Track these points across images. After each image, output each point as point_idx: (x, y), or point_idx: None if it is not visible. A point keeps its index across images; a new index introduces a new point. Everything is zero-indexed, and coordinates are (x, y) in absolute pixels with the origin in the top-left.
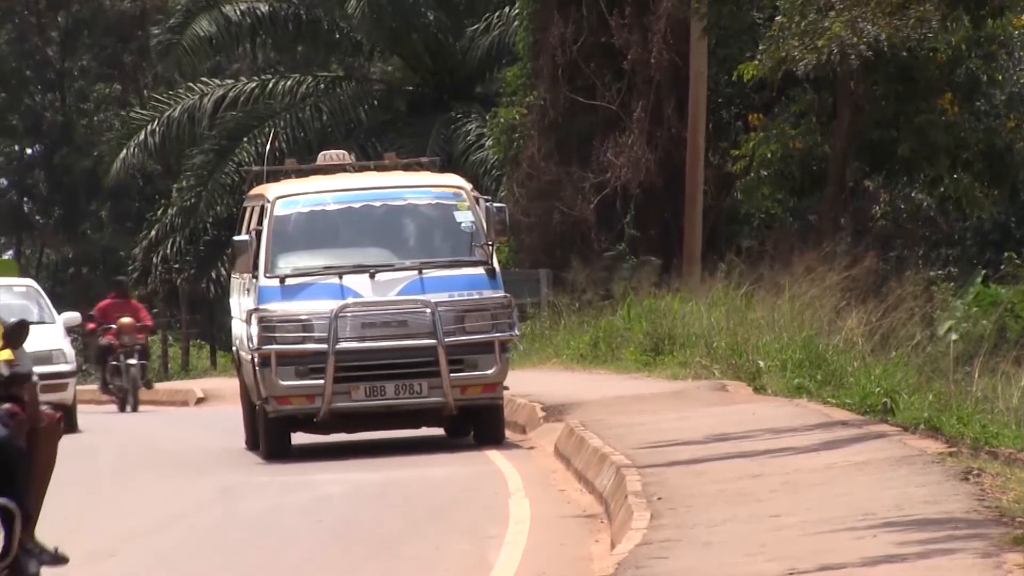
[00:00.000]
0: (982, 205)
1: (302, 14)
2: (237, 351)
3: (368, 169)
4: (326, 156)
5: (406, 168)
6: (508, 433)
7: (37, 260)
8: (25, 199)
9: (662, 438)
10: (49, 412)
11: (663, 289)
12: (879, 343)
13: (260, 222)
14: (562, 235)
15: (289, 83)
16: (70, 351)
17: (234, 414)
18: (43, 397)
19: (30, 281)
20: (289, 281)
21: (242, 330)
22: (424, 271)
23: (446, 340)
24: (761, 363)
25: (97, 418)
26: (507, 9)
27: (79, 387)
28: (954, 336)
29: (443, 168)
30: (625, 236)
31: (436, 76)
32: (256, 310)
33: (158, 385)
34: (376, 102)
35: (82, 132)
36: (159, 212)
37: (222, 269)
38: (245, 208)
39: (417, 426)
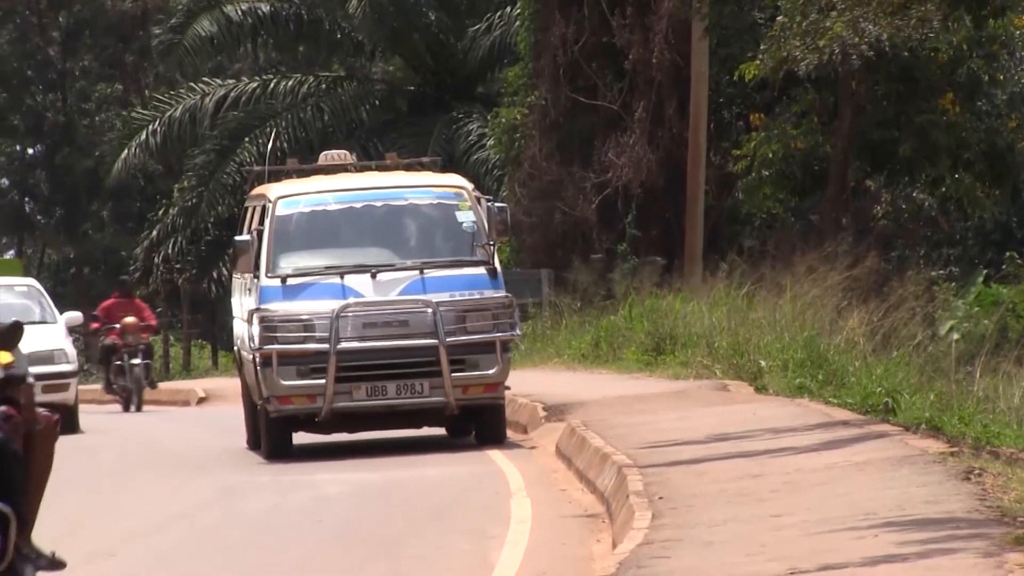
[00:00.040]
0: (983, 205)
1: (303, 14)
2: (238, 351)
3: (369, 169)
4: (327, 156)
5: (407, 168)
6: (509, 433)
7: (38, 260)
8: (27, 199)
9: (663, 438)
10: (46, 415)
11: (664, 289)
12: (880, 343)
13: (261, 222)
14: (563, 235)
15: (290, 83)
16: (72, 351)
17: (235, 414)
18: (45, 397)
19: (32, 281)
20: (290, 281)
21: (243, 330)
22: (425, 271)
23: (447, 340)
24: (762, 363)
25: (100, 418)
26: (508, 9)
27: (82, 387)
28: (956, 336)
29: (444, 168)
30: (627, 236)
31: (437, 76)
32: (257, 310)
33: (160, 385)
34: (377, 102)
35: (83, 132)
36: (160, 212)
37: (223, 269)
38: (246, 208)
39: (418, 426)
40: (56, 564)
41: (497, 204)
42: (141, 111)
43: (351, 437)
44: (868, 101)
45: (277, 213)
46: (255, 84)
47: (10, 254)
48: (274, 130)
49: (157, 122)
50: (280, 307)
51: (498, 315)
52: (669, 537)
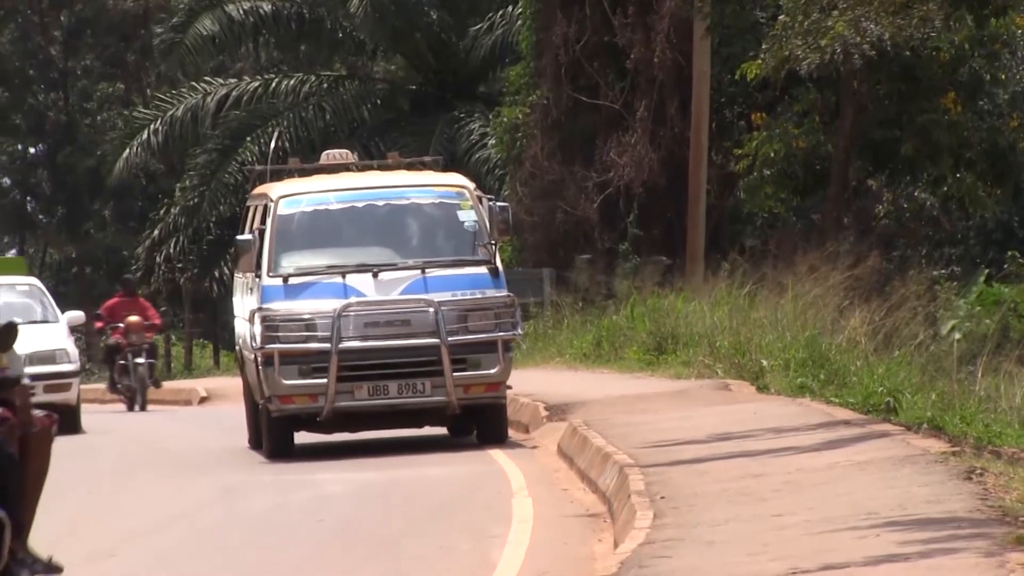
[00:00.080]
0: (985, 204)
1: (305, 13)
2: (240, 350)
3: (371, 168)
4: (329, 155)
5: (409, 167)
6: (511, 432)
7: (40, 259)
8: (28, 198)
9: (665, 437)
10: (41, 417)
11: (666, 288)
12: (882, 342)
13: (263, 221)
14: (565, 234)
15: (292, 82)
16: (74, 351)
17: (237, 413)
18: (46, 397)
19: (34, 280)
20: (292, 280)
21: (245, 329)
22: (427, 270)
23: (449, 339)
24: (764, 362)
25: (102, 417)
26: (510, 8)
27: (87, 386)
28: (957, 335)
29: (446, 167)
30: (628, 235)
31: (439, 75)
32: (259, 309)
33: (162, 384)
34: (379, 101)
35: (85, 131)
36: (162, 211)
37: (225, 268)
38: (248, 207)
39: (420, 425)
40: (52, 569)
41: (499, 203)
42: (143, 110)
43: (353, 436)
44: (870, 100)
45: (279, 212)
46: (257, 83)
47: (11, 253)
48: (277, 130)
49: (159, 121)
50: (282, 306)
51: (500, 314)
52: (671, 537)
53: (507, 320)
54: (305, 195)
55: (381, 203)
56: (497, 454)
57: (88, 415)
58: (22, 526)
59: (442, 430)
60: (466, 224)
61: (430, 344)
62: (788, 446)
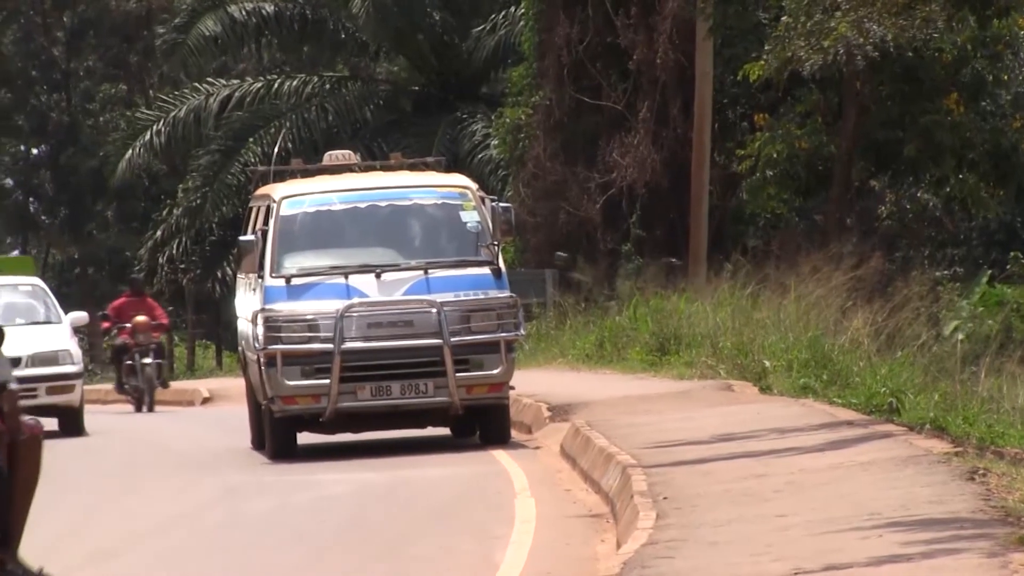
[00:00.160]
0: (988, 205)
1: (308, 14)
2: (243, 351)
3: (374, 169)
4: (332, 156)
5: (412, 168)
6: (514, 433)
7: (43, 260)
8: (31, 199)
9: (668, 438)
10: (30, 424)
11: (669, 289)
12: (885, 343)
13: (266, 222)
14: (568, 235)
15: (295, 83)
16: (77, 352)
17: (240, 414)
18: (49, 399)
19: (37, 280)
20: (295, 281)
21: (248, 330)
22: (430, 271)
23: (452, 340)
24: (767, 363)
25: (107, 418)
26: (512, 9)
27: (90, 387)
28: (960, 336)
29: (449, 168)
30: (631, 236)
31: (442, 76)
32: (262, 310)
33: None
34: (382, 102)
35: (88, 132)
36: (165, 212)
37: (228, 269)
38: (251, 208)
39: (423, 426)
40: None
41: (501, 204)
42: (145, 111)
43: (355, 437)
44: (872, 101)
45: (281, 213)
46: (259, 84)
47: (14, 254)
48: (282, 131)
49: (161, 122)
50: (284, 307)
51: (502, 315)
52: (673, 537)
53: (510, 321)
54: (308, 196)
55: (384, 204)
56: (500, 455)
57: (91, 415)
58: (11, 537)
59: (445, 431)
60: (469, 225)
61: (433, 345)
62: (791, 447)
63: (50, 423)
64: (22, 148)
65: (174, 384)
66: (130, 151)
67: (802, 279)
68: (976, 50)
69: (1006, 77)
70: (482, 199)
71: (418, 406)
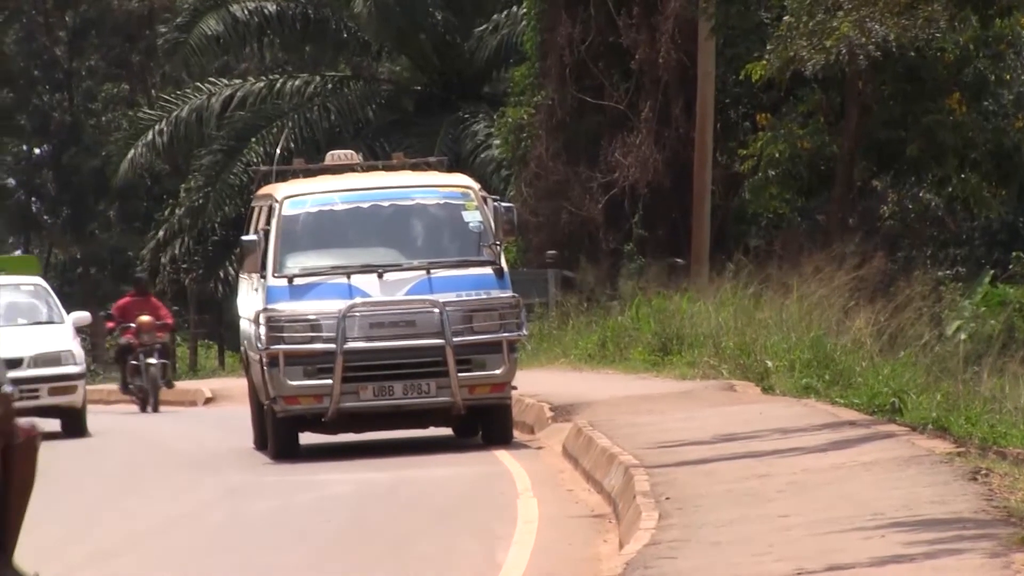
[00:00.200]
0: (990, 205)
1: (310, 13)
2: (245, 351)
3: (376, 169)
4: (334, 156)
5: (414, 168)
6: (516, 433)
7: (45, 260)
8: (33, 199)
9: (670, 438)
10: (26, 427)
11: (671, 289)
12: (887, 343)
13: (268, 222)
14: (570, 235)
15: (297, 83)
16: (79, 352)
17: (242, 414)
18: (52, 400)
19: (39, 279)
20: (297, 281)
21: (250, 330)
22: (432, 271)
23: (454, 340)
24: (769, 363)
25: (110, 418)
26: (514, 9)
27: (92, 387)
28: (962, 336)
29: (451, 168)
30: (633, 236)
31: (444, 76)
32: (264, 310)
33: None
34: (384, 102)
35: (90, 132)
36: (167, 212)
37: (230, 269)
38: (253, 208)
39: (425, 426)
40: None
41: (504, 204)
42: (147, 111)
43: (358, 437)
44: (875, 101)
45: (284, 213)
46: (261, 84)
47: (17, 254)
48: (284, 132)
49: (164, 122)
50: (287, 307)
51: (505, 315)
52: (676, 537)
53: (512, 321)
54: (310, 196)
55: (386, 204)
56: (502, 455)
57: (94, 415)
58: (5, 543)
59: (447, 431)
60: (471, 225)
61: (435, 345)
62: (793, 447)
63: (52, 424)
64: (24, 148)
65: (177, 384)
66: (132, 151)
67: (804, 279)
68: (978, 50)
69: (1008, 77)
70: (484, 199)
71: (420, 406)
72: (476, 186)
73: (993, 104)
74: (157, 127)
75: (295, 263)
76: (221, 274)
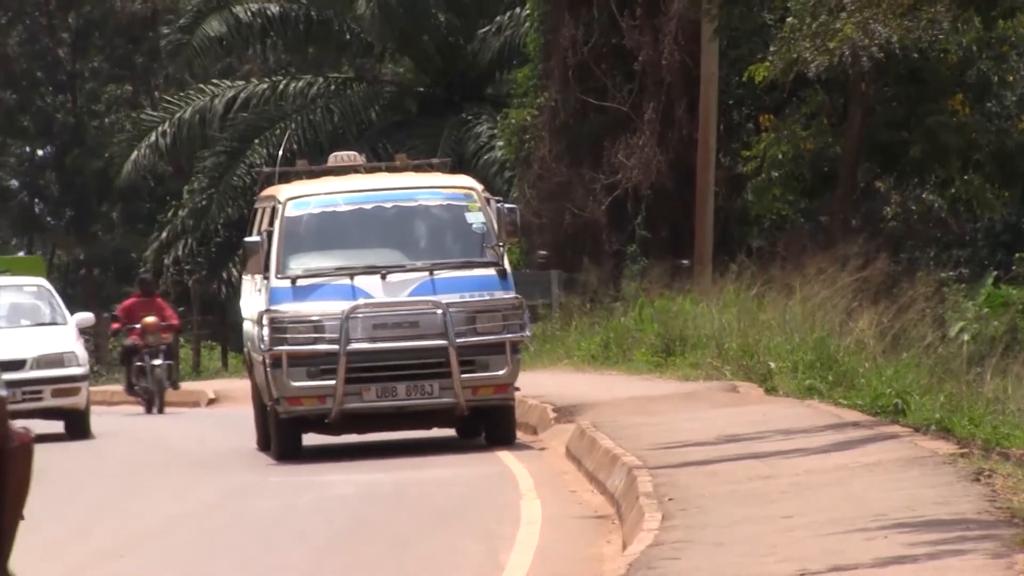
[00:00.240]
0: (993, 206)
1: (313, 15)
2: (249, 352)
3: (379, 170)
4: (337, 157)
5: (417, 169)
6: (519, 434)
7: (48, 261)
8: (36, 200)
9: (673, 439)
10: (21, 432)
11: (674, 290)
12: (890, 344)
13: (271, 223)
14: (573, 236)
15: (300, 84)
16: (83, 353)
17: (245, 415)
18: (55, 402)
19: (42, 280)
20: (300, 282)
21: (254, 331)
22: (435, 272)
23: (457, 341)
24: (772, 364)
25: (114, 419)
26: (518, 10)
27: (96, 388)
28: (965, 337)
29: (454, 169)
30: (636, 237)
31: (447, 77)
32: (267, 311)
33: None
34: (387, 103)
35: (93, 133)
36: (170, 213)
37: (233, 270)
38: (256, 209)
39: (428, 427)
40: None
41: (507, 205)
42: (151, 112)
43: (361, 438)
44: (878, 102)
45: (287, 214)
46: (265, 85)
47: (19, 255)
48: (287, 133)
49: (167, 123)
50: (290, 308)
51: (508, 316)
52: (679, 538)
53: (515, 322)
54: (313, 197)
55: (389, 205)
56: (505, 456)
57: (98, 416)
58: (0, 548)
59: (450, 432)
60: (474, 226)
61: (438, 346)
62: (796, 448)
63: (56, 426)
64: (27, 149)
65: (181, 385)
66: (135, 152)
67: (807, 280)
68: (981, 51)
69: (1011, 78)
70: (487, 200)
71: (424, 407)
72: (479, 187)
73: (996, 105)
74: (160, 128)
75: (298, 264)
76: (224, 275)
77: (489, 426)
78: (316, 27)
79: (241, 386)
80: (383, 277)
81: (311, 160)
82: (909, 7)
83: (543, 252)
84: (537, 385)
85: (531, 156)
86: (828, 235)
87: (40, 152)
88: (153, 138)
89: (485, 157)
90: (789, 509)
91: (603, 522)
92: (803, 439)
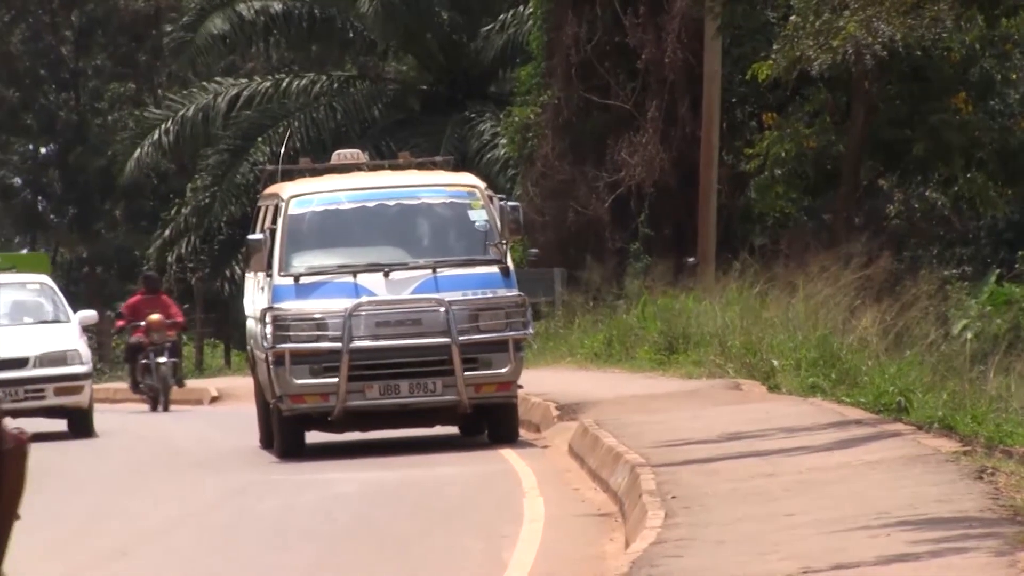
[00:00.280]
0: (996, 204)
1: (316, 13)
2: (251, 350)
3: (382, 168)
4: (340, 155)
5: (420, 167)
6: (522, 432)
7: (51, 259)
8: (39, 198)
9: (676, 437)
10: (15, 433)
11: (677, 288)
12: (893, 342)
13: (274, 221)
14: (576, 234)
15: (303, 82)
16: (86, 351)
17: (248, 413)
18: (58, 400)
19: (45, 278)
20: (303, 280)
21: (256, 329)
22: (438, 270)
23: (460, 339)
24: (775, 362)
25: (118, 418)
26: (521, 8)
27: (104, 385)
28: (968, 335)
29: (457, 167)
30: (639, 235)
31: (450, 75)
32: (270, 309)
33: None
34: (390, 101)
35: (96, 131)
36: (173, 211)
37: (237, 268)
38: (259, 207)
39: (431, 425)
40: None
41: (510, 203)
42: (154, 110)
43: (364, 436)
44: (881, 100)
45: (290, 212)
46: (268, 83)
47: (23, 252)
48: (290, 131)
49: (170, 121)
50: (293, 306)
51: (511, 314)
52: (682, 536)
53: (518, 319)
54: (316, 195)
55: (392, 203)
56: (508, 453)
57: (102, 415)
58: None
59: (453, 429)
60: (477, 224)
61: (441, 343)
62: (799, 446)
63: (59, 424)
64: (31, 147)
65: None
66: (138, 150)
67: (810, 278)
68: (984, 49)
69: (1014, 76)
70: (490, 198)
71: (426, 405)
72: (482, 185)
73: (999, 103)
74: (163, 126)
75: (301, 262)
76: (227, 273)
77: (492, 424)
78: (319, 25)
79: (244, 384)
80: (386, 275)
81: (314, 158)
82: (912, 5)
83: (533, 251)
84: (540, 383)
85: (534, 154)
86: (831, 233)
87: (43, 150)
88: (156, 136)
89: (488, 155)
90: (792, 507)
91: (606, 520)
92: (806, 437)
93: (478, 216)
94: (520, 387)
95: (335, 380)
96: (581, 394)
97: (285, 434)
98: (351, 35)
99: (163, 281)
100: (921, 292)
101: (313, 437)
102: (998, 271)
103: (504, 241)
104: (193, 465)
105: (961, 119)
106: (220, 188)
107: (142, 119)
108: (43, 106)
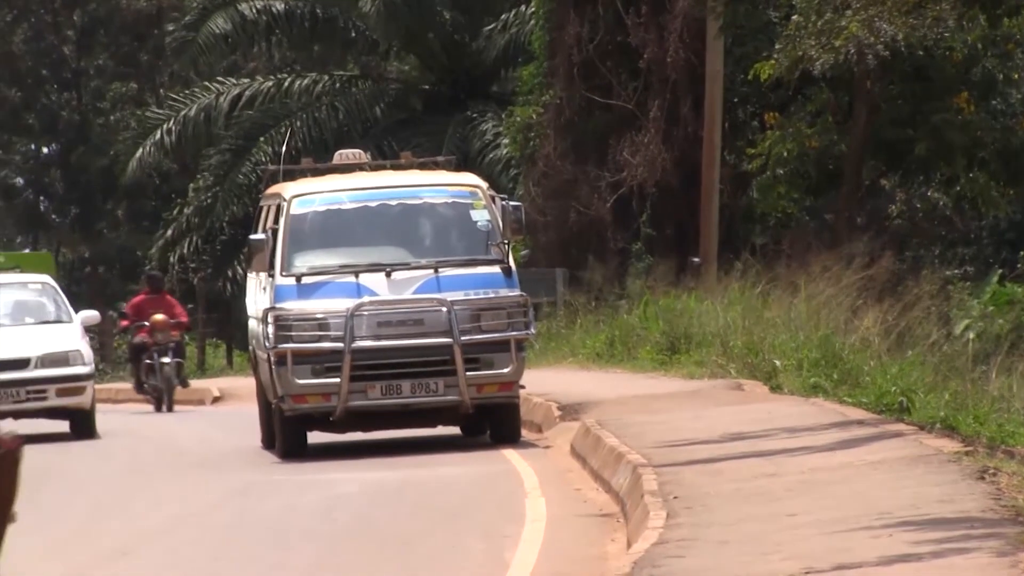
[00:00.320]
0: (998, 204)
1: (318, 12)
2: (253, 350)
3: (384, 168)
4: (342, 155)
5: (422, 167)
6: (524, 432)
7: (54, 259)
8: (41, 198)
9: (678, 437)
10: (7, 437)
11: (679, 288)
12: (895, 342)
13: (276, 221)
14: (578, 234)
15: (305, 82)
16: (88, 352)
17: (250, 413)
18: (60, 401)
19: (46, 277)
20: (305, 280)
21: (258, 329)
22: (440, 270)
23: (462, 339)
24: (777, 362)
25: (121, 418)
26: (523, 8)
27: (106, 385)
28: (970, 335)
29: (459, 167)
30: (641, 235)
31: (452, 75)
32: (272, 309)
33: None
34: (392, 101)
35: (98, 131)
36: (175, 211)
37: (238, 268)
38: (261, 207)
39: (433, 425)
40: None
41: (512, 203)
42: (156, 110)
43: (366, 436)
44: (883, 100)
45: (292, 212)
46: (270, 83)
47: (25, 252)
48: (289, 130)
49: (172, 121)
50: (295, 306)
51: (513, 314)
52: (684, 536)
53: (520, 319)
54: (318, 195)
55: (394, 203)
56: (510, 454)
57: (104, 415)
58: None
59: (455, 430)
60: (479, 224)
61: (443, 343)
62: (801, 446)
63: (61, 425)
64: (32, 147)
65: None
66: (140, 150)
67: (812, 278)
68: (986, 49)
69: (1016, 76)
70: (492, 198)
71: (428, 405)
72: (484, 185)
73: (1001, 103)
74: (165, 126)
75: (303, 262)
76: (229, 273)
77: (494, 424)
78: (321, 25)
79: (246, 384)
80: (388, 275)
81: (316, 158)
82: (914, 5)
83: (525, 251)
84: (542, 383)
85: (536, 154)
86: (833, 233)
87: (45, 150)
88: (158, 136)
89: (490, 155)
90: (794, 507)
91: (608, 520)
92: (808, 437)
93: (480, 216)
94: (522, 387)
95: (337, 380)
96: (583, 394)
97: (287, 434)
98: (353, 35)
99: (165, 281)
100: (923, 292)
101: (315, 437)
102: (1000, 271)
103: (506, 241)
104: (194, 465)
105: (963, 119)
106: (222, 188)
107: (144, 119)
108: (45, 106)
